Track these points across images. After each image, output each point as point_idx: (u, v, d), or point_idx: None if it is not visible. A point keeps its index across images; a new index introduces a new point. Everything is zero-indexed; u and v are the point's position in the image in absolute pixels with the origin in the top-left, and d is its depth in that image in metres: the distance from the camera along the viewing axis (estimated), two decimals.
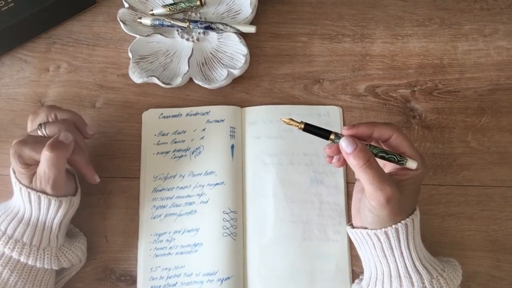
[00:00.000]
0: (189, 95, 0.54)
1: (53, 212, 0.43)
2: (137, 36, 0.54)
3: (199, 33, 0.55)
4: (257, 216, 0.49)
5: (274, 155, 0.51)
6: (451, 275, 0.40)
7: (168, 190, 0.50)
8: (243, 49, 0.53)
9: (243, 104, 0.54)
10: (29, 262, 0.42)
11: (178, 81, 0.52)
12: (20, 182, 0.42)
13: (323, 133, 0.40)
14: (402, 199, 0.39)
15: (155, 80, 0.52)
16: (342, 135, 0.40)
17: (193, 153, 0.51)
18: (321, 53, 0.56)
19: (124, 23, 0.54)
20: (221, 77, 0.53)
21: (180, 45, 0.55)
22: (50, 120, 0.45)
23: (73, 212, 0.45)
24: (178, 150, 0.51)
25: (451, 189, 0.50)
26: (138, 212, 0.50)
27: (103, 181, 0.49)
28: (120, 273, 0.48)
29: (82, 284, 0.48)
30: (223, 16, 0.57)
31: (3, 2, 0.53)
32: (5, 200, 0.45)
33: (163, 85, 0.52)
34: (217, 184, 0.50)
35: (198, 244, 0.48)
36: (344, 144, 0.39)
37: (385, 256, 0.40)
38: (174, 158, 0.51)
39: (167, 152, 0.51)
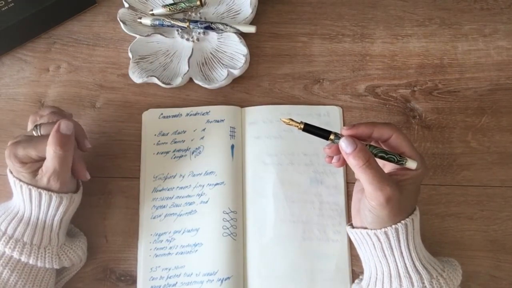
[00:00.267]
0: (189, 95, 0.54)
1: (53, 209, 0.43)
2: (137, 36, 0.54)
3: (199, 33, 0.55)
4: (257, 216, 0.49)
5: (274, 155, 0.51)
6: (451, 275, 0.40)
7: (168, 190, 0.50)
8: (243, 49, 0.53)
9: (243, 104, 0.54)
10: (30, 262, 0.42)
11: (178, 81, 0.52)
12: (21, 180, 0.42)
13: (323, 133, 0.40)
14: (402, 199, 0.39)
15: (155, 80, 0.52)
16: (342, 135, 0.40)
17: (193, 153, 0.51)
18: (321, 53, 0.56)
19: (124, 23, 0.54)
20: (221, 77, 0.53)
21: (180, 45, 0.55)
22: None
23: (73, 210, 0.45)
24: (178, 150, 0.51)
25: (451, 189, 0.50)
26: (138, 212, 0.50)
27: (103, 181, 0.49)
28: (120, 273, 0.48)
29: (82, 284, 0.48)
30: (223, 16, 0.57)
31: (3, 2, 0.53)
32: (5, 200, 0.45)
33: (163, 85, 0.52)
34: (217, 184, 0.50)
35: (198, 244, 0.48)
36: (344, 144, 0.39)
37: (385, 256, 0.40)
38: (174, 158, 0.51)
39: (167, 152, 0.51)
